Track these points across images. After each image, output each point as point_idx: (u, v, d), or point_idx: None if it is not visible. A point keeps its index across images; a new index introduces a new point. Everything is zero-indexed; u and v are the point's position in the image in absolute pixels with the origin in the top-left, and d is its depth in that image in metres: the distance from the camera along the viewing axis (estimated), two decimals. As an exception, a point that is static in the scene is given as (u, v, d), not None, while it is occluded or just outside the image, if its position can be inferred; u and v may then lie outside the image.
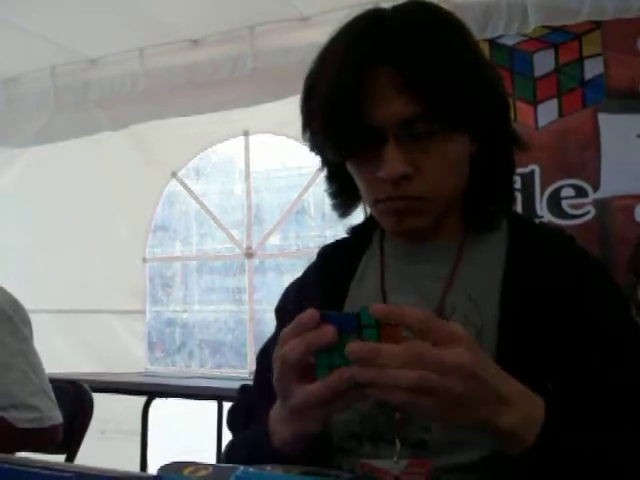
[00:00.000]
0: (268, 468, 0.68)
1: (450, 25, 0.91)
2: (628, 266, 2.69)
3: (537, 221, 1.01)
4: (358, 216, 1.07)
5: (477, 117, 0.88)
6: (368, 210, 1.04)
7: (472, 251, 0.96)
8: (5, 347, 1.78)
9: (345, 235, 1.09)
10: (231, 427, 1.09)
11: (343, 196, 1.02)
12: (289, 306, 1.06)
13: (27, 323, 1.88)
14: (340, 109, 0.86)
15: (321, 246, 1.11)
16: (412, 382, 0.68)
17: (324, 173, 1.03)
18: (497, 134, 0.94)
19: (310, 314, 0.74)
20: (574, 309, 0.88)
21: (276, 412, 0.84)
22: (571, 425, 0.76)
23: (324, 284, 1.01)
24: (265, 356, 1.08)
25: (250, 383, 1.10)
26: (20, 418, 1.72)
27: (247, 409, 1.05)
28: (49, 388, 1.82)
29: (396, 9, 0.91)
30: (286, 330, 0.76)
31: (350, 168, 0.94)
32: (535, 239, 0.95)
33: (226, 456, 1.00)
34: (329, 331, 0.72)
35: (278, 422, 0.83)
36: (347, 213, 1.04)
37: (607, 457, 0.78)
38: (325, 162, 1.00)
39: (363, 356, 0.69)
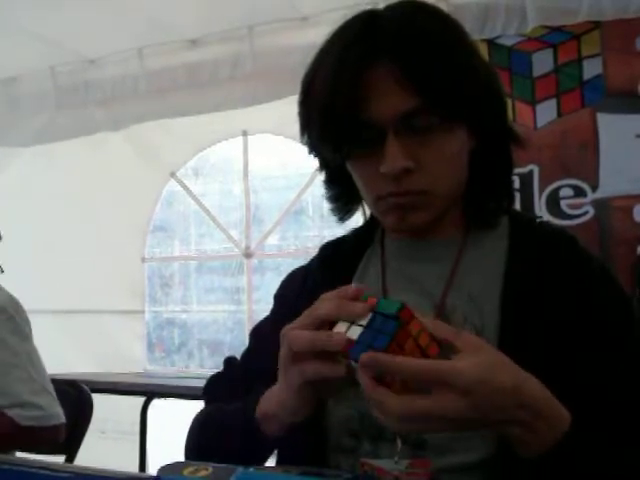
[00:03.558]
0: (267, 469, 0.68)
1: (443, 21, 0.92)
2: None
3: (538, 220, 1.01)
4: (357, 219, 1.07)
5: (474, 109, 0.89)
6: (367, 213, 1.04)
7: (473, 250, 0.97)
8: (8, 346, 1.78)
9: (347, 233, 1.09)
10: (206, 396, 1.09)
11: (342, 200, 1.03)
12: (291, 294, 1.06)
13: (27, 323, 1.88)
14: (338, 107, 0.87)
15: (320, 246, 1.11)
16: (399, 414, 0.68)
17: (323, 177, 1.03)
18: (494, 129, 0.94)
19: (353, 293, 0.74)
20: (576, 310, 0.88)
21: (272, 389, 0.84)
22: (585, 439, 0.76)
23: (325, 280, 1.01)
24: (258, 336, 1.08)
25: (237, 356, 1.10)
26: (24, 416, 1.72)
27: (228, 382, 1.05)
28: (51, 387, 1.82)
29: (389, 8, 0.93)
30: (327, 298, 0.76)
31: (350, 167, 0.94)
32: (536, 238, 0.95)
33: (199, 425, 1.00)
34: (341, 340, 0.71)
35: (269, 395, 0.84)
36: (346, 217, 1.04)
37: (616, 474, 0.78)
38: (324, 165, 1.01)
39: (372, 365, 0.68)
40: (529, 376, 0.73)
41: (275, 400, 0.83)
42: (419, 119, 0.87)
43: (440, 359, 0.69)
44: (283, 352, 0.77)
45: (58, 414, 1.79)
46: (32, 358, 1.82)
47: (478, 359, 0.69)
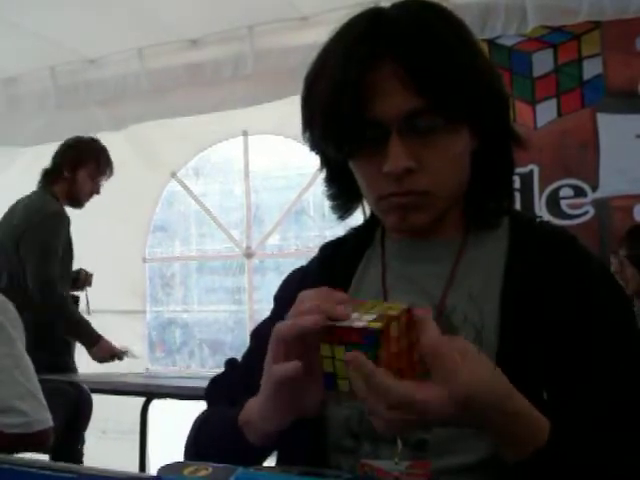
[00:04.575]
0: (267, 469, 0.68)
1: (448, 20, 0.92)
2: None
3: (539, 220, 1.01)
4: (357, 218, 1.07)
5: (478, 110, 0.89)
6: (367, 212, 1.04)
7: (473, 250, 0.96)
8: None
9: (347, 233, 1.09)
10: (208, 398, 1.09)
11: (343, 198, 1.02)
12: (289, 295, 1.06)
13: (16, 324, 1.83)
14: (342, 105, 0.86)
15: (320, 246, 1.11)
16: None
17: (323, 175, 1.03)
18: (497, 130, 0.94)
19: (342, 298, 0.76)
20: (576, 310, 0.88)
21: (255, 397, 0.84)
22: (573, 447, 0.76)
23: (325, 281, 1.01)
24: (258, 337, 1.07)
25: (238, 358, 1.10)
26: (7, 423, 1.68)
27: (229, 384, 1.05)
28: (38, 391, 1.77)
29: (394, 6, 0.92)
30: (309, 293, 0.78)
31: (352, 166, 0.94)
32: (536, 238, 0.95)
33: (196, 430, 1.00)
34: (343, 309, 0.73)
35: (252, 402, 0.85)
36: (346, 215, 1.04)
37: (607, 472, 0.78)
38: (325, 163, 1.00)
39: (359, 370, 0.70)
40: (512, 387, 0.74)
41: (256, 407, 0.83)
42: (423, 119, 0.87)
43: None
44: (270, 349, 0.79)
45: (44, 419, 1.75)
46: (18, 362, 1.77)
47: (448, 389, 0.70)
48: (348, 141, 0.89)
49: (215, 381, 1.10)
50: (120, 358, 3.30)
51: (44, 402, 1.76)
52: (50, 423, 1.75)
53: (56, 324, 3.04)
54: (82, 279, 3.47)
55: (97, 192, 3.34)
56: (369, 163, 0.90)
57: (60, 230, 3.09)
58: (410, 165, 0.86)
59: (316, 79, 0.92)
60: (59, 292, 3.03)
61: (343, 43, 0.90)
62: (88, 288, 3.55)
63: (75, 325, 3.12)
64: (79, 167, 3.23)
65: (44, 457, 1.93)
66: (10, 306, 1.85)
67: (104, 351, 3.20)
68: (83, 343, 3.21)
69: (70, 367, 3.16)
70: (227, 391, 1.04)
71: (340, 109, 0.86)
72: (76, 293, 3.44)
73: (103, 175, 3.31)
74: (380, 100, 0.86)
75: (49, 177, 3.24)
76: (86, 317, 3.30)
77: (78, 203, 3.32)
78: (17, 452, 1.74)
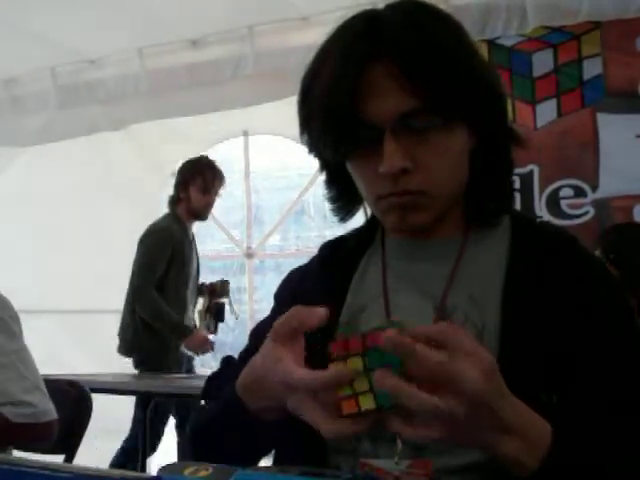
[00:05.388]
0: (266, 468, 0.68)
1: (444, 21, 0.92)
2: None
3: (539, 220, 1.01)
4: (358, 219, 1.07)
5: (474, 109, 0.89)
6: (369, 213, 1.04)
7: (474, 250, 0.96)
8: None
9: (347, 233, 1.09)
10: (205, 396, 1.09)
11: (343, 200, 1.02)
12: (289, 294, 1.06)
13: (15, 319, 1.87)
14: (339, 106, 0.86)
15: (321, 245, 1.11)
16: (425, 408, 0.67)
17: (323, 177, 1.03)
18: (494, 129, 0.94)
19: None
20: (576, 310, 0.88)
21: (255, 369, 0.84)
22: (576, 448, 0.76)
23: (325, 281, 1.01)
24: (257, 335, 1.07)
25: (235, 356, 1.09)
26: (15, 413, 1.72)
27: (226, 381, 1.05)
28: (42, 383, 1.82)
29: (389, 7, 0.92)
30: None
31: (350, 167, 0.94)
32: (537, 239, 0.95)
33: (194, 420, 1.01)
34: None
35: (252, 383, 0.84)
36: (347, 217, 1.04)
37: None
38: (324, 165, 1.00)
39: (401, 347, 0.68)
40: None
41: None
42: (418, 119, 0.86)
43: None
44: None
45: (50, 410, 1.79)
46: (21, 356, 1.81)
47: (481, 365, 0.69)
48: (345, 141, 0.89)
49: (212, 379, 1.10)
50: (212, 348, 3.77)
51: (47, 394, 1.81)
52: (55, 415, 1.80)
53: (152, 325, 3.52)
54: (218, 289, 3.91)
55: (213, 202, 3.74)
56: (366, 164, 0.90)
57: (160, 245, 3.58)
58: (405, 165, 0.86)
59: (313, 80, 0.92)
60: (151, 296, 3.50)
61: (339, 44, 0.90)
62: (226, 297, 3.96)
63: (166, 323, 3.53)
64: (188, 186, 3.66)
65: (58, 458, 1.95)
66: (7, 301, 1.88)
67: (194, 343, 3.65)
68: (176, 339, 3.60)
69: (160, 366, 3.54)
70: (222, 390, 1.04)
71: (336, 109, 0.87)
72: (220, 301, 3.91)
73: (212, 187, 3.68)
74: (376, 100, 0.86)
75: (172, 201, 3.72)
76: (233, 320, 4.00)
77: (200, 216, 3.77)
78: (25, 444, 1.79)
